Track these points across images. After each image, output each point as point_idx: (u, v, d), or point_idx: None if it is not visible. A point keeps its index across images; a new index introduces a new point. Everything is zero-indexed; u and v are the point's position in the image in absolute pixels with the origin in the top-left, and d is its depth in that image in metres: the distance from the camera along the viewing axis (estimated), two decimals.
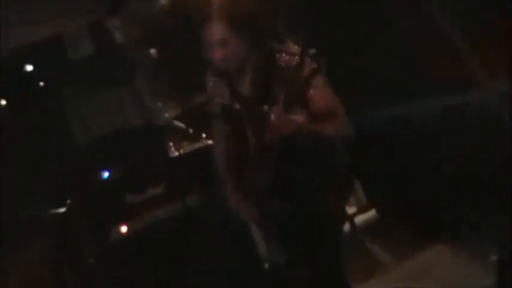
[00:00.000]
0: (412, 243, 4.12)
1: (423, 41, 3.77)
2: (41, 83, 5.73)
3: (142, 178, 4.92)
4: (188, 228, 4.67)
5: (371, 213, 4.87)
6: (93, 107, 5.83)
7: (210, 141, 4.75)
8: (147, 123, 5.75)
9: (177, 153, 5.00)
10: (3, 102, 5.47)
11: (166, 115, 5.33)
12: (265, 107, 2.69)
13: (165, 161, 5.06)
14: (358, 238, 4.58)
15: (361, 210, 4.86)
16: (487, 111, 3.45)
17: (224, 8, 2.78)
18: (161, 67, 5.81)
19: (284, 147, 2.70)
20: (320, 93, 2.78)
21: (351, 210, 4.74)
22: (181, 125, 4.89)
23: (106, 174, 4.95)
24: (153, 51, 5.80)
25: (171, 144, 5.05)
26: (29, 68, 5.70)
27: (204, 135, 4.89)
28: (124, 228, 4.74)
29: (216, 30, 2.78)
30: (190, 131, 4.93)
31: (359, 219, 4.82)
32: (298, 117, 2.69)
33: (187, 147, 5.02)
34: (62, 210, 4.67)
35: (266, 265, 3.91)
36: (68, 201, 4.70)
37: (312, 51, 2.61)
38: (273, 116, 2.62)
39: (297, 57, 2.63)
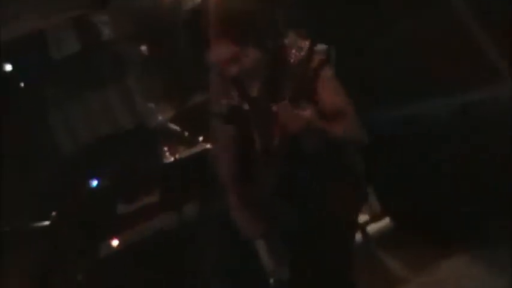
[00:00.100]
0: (429, 254, 4.14)
1: (442, 34, 3.92)
2: (21, 84, 5.77)
3: (134, 187, 4.95)
4: (185, 242, 4.68)
5: (385, 222, 4.88)
6: (79, 109, 5.85)
7: (208, 145, 4.81)
8: (139, 127, 5.75)
9: (172, 159, 5.04)
10: None
11: (159, 117, 5.38)
12: (274, 107, 2.79)
13: (159, 167, 5.10)
14: (370, 248, 4.59)
15: (374, 219, 4.86)
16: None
17: (220, 9, 2.89)
18: (153, 65, 5.81)
19: (292, 149, 2.79)
20: (328, 88, 2.86)
21: (363, 218, 4.77)
22: (176, 127, 4.95)
23: (94, 183, 4.99)
24: (144, 47, 5.82)
25: (166, 149, 5.08)
26: (8, 67, 5.74)
27: (201, 139, 4.94)
28: (115, 242, 4.77)
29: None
30: (186, 134, 4.99)
31: (372, 228, 4.83)
32: (306, 113, 2.78)
33: (183, 152, 5.06)
34: (46, 223, 4.69)
35: (271, 281, 3.95)
36: (53, 214, 4.71)
37: (321, 46, 2.73)
38: (279, 112, 2.72)
39: (305, 50, 2.74)
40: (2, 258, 4.45)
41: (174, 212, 4.88)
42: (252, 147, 2.94)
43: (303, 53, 2.75)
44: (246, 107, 2.95)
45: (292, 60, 2.84)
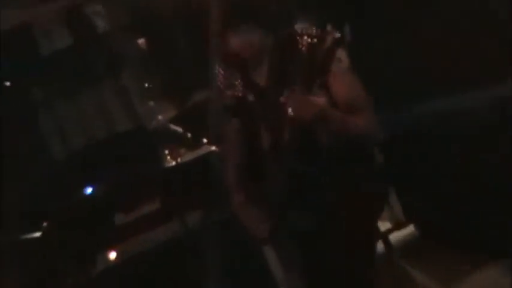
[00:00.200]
0: (457, 264, 4.15)
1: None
2: (7, 83, 5.78)
3: (133, 194, 4.96)
4: (189, 253, 4.67)
5: (409, 230, 4.89)
6: (71, 110, 5.88)
7: (213, 147, 4.84)
8: (137, 128, 5.79)
9: (174, 163, 5.09)
10: None
11: (160, 117, 5.40)
12: (283, 97, 2.82)
13: (159, 172, 5.15)
14: (394, 260, 4.59)
15: (398, 227, 4.86)
16: None
17: None
18: (152, 60, 5.84)
19: (303, 142, 2.81)
20: (342, 75, 2.89)
21: (384, 226, 4.77)
22: (178, 128, 4.98)
23: (89, 191, 5.01)
24: (141, 41, 5.86)
25: (167, 152, 5.13)
26: None
27: (205, 141, 4.97)
28: (113, 255, 4.80)
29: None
30: (189, 135, 5.02)
31: (395, 237, 4.81)
32: (320, 99, 2.80)
33: (186, 155, 5.10)
34: (37, 234, 4.73)
35: None
36: (44, 224, 4.75)
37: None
38: (289, 99, 2.75)
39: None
40: None
41: (176, 221, 4.90)
42: (260, 143, 2.98)
43: (314, 39, 2.76)
44: (252, 98, 3.00)
45: (302, 48, 2.86)
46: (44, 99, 5.92)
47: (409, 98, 4.19)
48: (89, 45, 5.87)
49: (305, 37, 2.85)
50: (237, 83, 3.05)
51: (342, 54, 2.78)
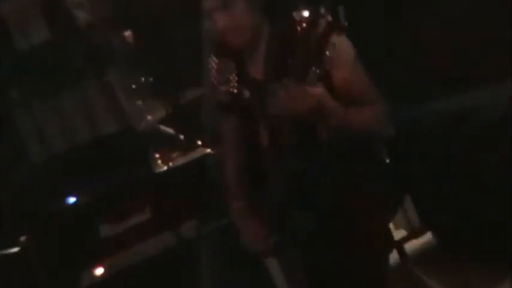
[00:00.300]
0: (478, 276, 4.15)
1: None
2: None
3: (120, 203, 4.95)
4: (183, 266, 4.65)
5: (426, 238, 4.89)
6: (51, 111, 5.84)
7: (208, 150, 4.83)
8: (124, 129, 5.75)
9: (165, 168, 5.06)
10: None
11: (149, 117, 5.39)
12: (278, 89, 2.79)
13: (149, 178, 5.12)
14: (409, 271, 4.58)
15: (413, 234, 4.86)
16: None
17: None
18: (140, 55, 5.82)
19: (302, 139, 2.79)
20: (345, 64, 2.90)
21: (399, 234, 4.77)
22: (169, 130, 4.97)
23: (72, 200, 4.98)
24: (128, 34, 5.85)
25: (157, 156, 5.11)
26: None
27: (199, 143, 4.96)
28: (99, 270, 4.78)
29: None
30: (182, 137, 5.01)
31: (410, 245, 4.83)
32: (316, 89, 2.77)
33: (179, 159, 5.08)
34: (14, 250, 4.69)
35: None
36: (21, 238, 4.71)
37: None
38: (281, 92, 2.72)
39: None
40: None
41: (169, 232, 4.90)
42: (259, 141, 2.98)
43: (305, 23, 2.70)
44: (247, 94, 3.00)
45: (301, 36, 2.83)
46: (21, 99, 5.86)
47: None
48: (70, 39, 5.83)
49: (304, 24, 2.83)
50: (231, 77, 3.04)
51: (338, 40, 2.73)
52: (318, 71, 2.67)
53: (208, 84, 3.21)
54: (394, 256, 4.30)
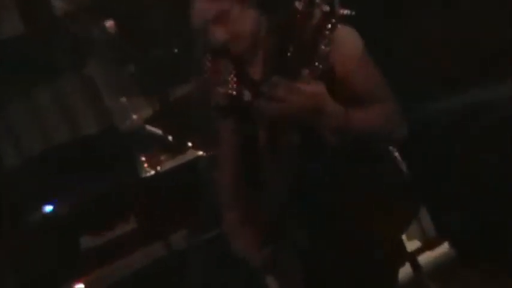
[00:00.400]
0: None
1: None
2: None
3: (102, 211, 4.96)
4: (174, 279, 4.63)
5: (442, 250, 4.90)
6: (26, 110, 5.84)
7: (199, 152, 4.82)
8: (106, 130, 5.73)
9: (152, 172, 5.08)
10: None
11: (134, 117, 5.39)
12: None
13: (135, 184, 5.13)
14: (424, 285, 4.62)
15: (428, 246, 4.89)
16: None
17: None
18: (123, 46, 5.83)
19: (304, 141, 2.76)
20: (350, 59, 2.86)
21: (413, 245, 4.78)
22: (156, 130, 4.96)
23: (48, 208, 4.99)
24: (109, 23, 5.84)
25: (143, 159, 5.12)
26: None
27: (190, 144, 4.95)
28: (80, 287, 4.76)
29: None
30: (170, 138, 5.00)
31: (425, 257, 4.85)
32: (313, 87, 2.72)
33: (167, 163, 5.10)
34: None
35: None
36: None
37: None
38: (272, 90, 2.66)
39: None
40: None
41: (157, 242, 4.91)
42: (257, 144, 2.96)
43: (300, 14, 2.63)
44: (248, 96, 2.97)
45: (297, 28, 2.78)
46: None
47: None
48: (45, 30, 5.82)
49: (297, 13, 2.78)
50: (230, 78, 3.02)
51: (342, 31, 2.70)
52: (320, 66, 2.63)
53: (202, 84, 3.18)
54: (406, 269, 4.29)
